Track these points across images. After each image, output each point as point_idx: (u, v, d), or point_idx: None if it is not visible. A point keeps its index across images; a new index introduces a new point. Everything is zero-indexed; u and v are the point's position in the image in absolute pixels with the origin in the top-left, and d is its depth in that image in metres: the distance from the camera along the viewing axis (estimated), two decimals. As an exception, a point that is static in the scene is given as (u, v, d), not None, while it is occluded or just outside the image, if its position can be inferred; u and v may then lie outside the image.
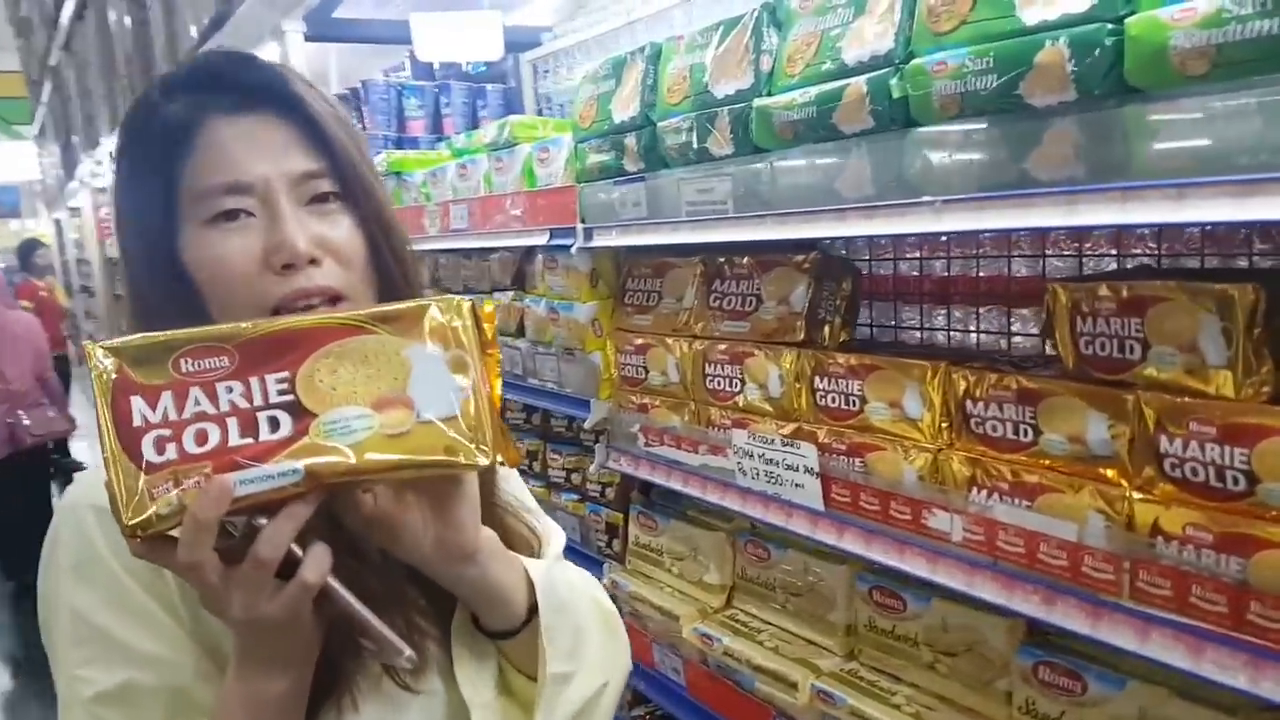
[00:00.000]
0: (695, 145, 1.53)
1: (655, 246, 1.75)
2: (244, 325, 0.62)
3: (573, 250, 1.90)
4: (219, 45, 3.62)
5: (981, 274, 1.58)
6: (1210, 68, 0.88)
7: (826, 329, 1.50)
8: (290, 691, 0.68)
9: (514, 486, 0.94)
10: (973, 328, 1.59)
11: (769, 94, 1.39)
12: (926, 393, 1.27)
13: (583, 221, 1.88)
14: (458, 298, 0.66)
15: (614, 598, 2.04)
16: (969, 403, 1.23)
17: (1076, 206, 1.02)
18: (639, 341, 1.83)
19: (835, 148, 1.27)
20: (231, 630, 0.66)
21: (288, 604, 0.62)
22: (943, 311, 1.63)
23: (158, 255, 0.76)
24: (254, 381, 0.60)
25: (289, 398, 0.60)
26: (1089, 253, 1.41)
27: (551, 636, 0.78)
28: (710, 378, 1.66)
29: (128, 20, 5.18)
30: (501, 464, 0.65)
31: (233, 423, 0.60)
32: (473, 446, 0.62)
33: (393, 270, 0.79)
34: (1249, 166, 0.87)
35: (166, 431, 0.59)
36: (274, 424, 0.60)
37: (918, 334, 1.67)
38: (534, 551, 0.86)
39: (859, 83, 1.22)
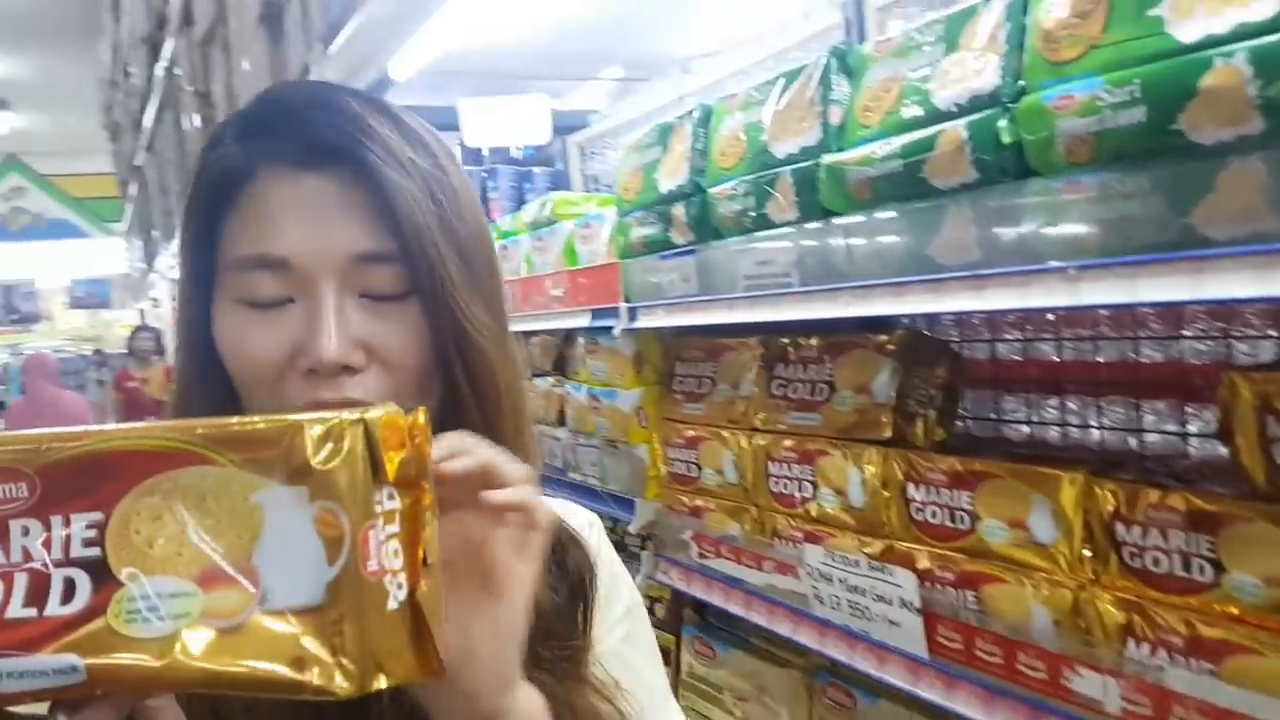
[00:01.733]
0: (753, 212, 1.29)
1: (707, 327, 1.50)
2: (46, 439, 0.42)
3: (615, 332, 1.66)
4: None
5: (1101, 358, 1.28)
6: None
7: (919, 424, 1.21)
8: None
9: (635, 657, 0.71)
10: (1094, 422, 1.28)
11: (840, 149, 1.14)
12: (1061, 510, 0.97)
13: (626, 301, 1.64)
14: (345, 414, 0.42)
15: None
16: (1120, 526, 0.92)
17: (1272, 270, 0.74)
18: (690, 433, 1.56)
19: (928, 208, 1.01)
20: None
21: None
22: (1054, 403, 1.32)
23: (193, 329, 0.62)
24: (56, 522, 0.42)
25: (94, 551, 0.42)
26: (1247, 333, 1.11)
27: None
28: (775, 479, 1.37)
29: (196, 119, 5.25)
30: (387, 685, 0.42)
31: (21, 580, 0.42)
32: (332, 661, 0.40)
33: (462, 388, 0.59)
34: None
35: None
36: (69, 589, 0.41)
37: (1025, 428, 1.36)
38: None
39: (956, 128, 0.97)
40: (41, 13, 8.76)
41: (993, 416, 1.40)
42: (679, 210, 1.46)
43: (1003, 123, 0.92)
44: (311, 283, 0.57)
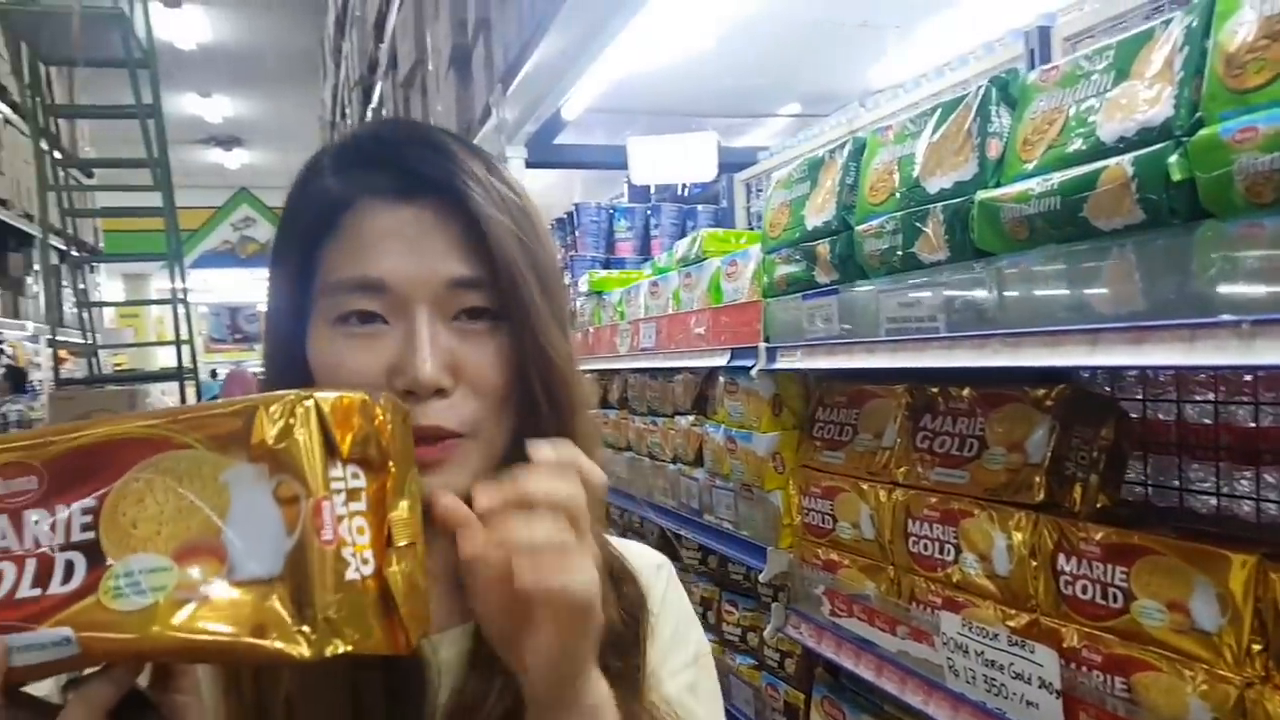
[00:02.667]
0: (900, 251, 1.24)
1: (848, 371, 1.45)
2: (50, 434, 0.47)
3: (752, 373, 1.64)
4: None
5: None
6: None
7: (1077, 489, 1.11)
8: None
9: (693, 701, 0.72)
10: (1294, 500, 1.12)
11: (997, 185, 1.08)
12: (1229, 595, 0.85)
13: (766, 340, 1.62)
14: (296, 393, 0.46)
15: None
16: (1305, 622, 0.80)
17: None
18: (827, 483, 1.51)
19: (1088, 250, 0.93)
20: None
21: None
22: (1248, 473, 1.17)
23: (285, 352, 0.66)
24: (60, 510, 0.47)
25: (90, 535, 0.47)
26: None
27: None
28: (915, 539, 1.30)
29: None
30: (352, 649, 0.45)
31: (30, 564, 0.47)
32: (293, 626, 0.44)
33: (542, 409, 0.63)
34: None
35: None
36: (68, 570, 0.47)
37: (1212, 500, 1.22)
38: None
39: (1121, 164, 0.89)
40: (271, 60, 9.91)
41: (1175, 485, 1.26)
42: (824, 248, 1.43)
43: (1173, 158, 0.84)
44: (407, 306, 0.60)
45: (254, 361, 16.16)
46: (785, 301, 1.55)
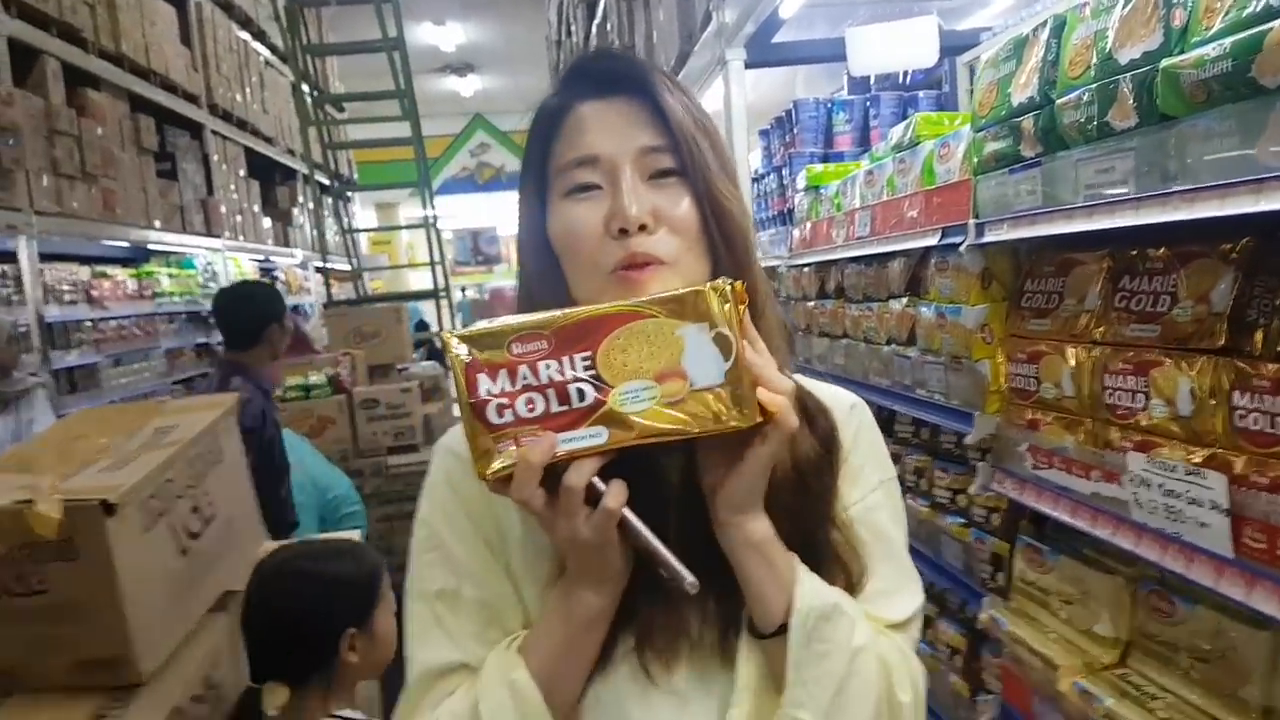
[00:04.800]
0: (1095, 120, 1.37)
1: (1052, 239, 1.59)
2: (556, 314, 0.76)
3: (961, 249, 1.81)
4: (681, 76, 4.07)
5: None
6: None
7: (1258, 334, 1.23)
8: (603, 611, 0.81)
9: (878, 518, 0.92)
10: None
11: (1181, 52, 1.19)
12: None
13: (975, 216, 1.78)
14: (720, 282, 0.75)
15: (991, 637, 1.87)
16: None
17: None
18: (1032, 349, 1.68)
19: (1254, 106, 1.05)
20: (560, 552, 0.82)
21: (596, 526, 0.76)
22: None
23: (534, 233, 0.89)
24: (565, 360, 0.75)
25: (592, 373, 0.75)
26: None
27: (800, 671, 0.79)
28: (1110, 391, 1.45)
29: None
30: (761, 422, 0.75)
31: (551, 393, 0.75)
32: (736, 410, 0.74)
33: (719, 248, 0.86)
34: None
35: (505, 401, 0.75)
36: (581, 394, 0.75)
37: None
38: (850, 585, 0.86)
39: (1291, 21, 1.00)
40: (499, -14, 10.35)
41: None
42: (1028, 123, 1.57)
43: (1337, 12, 0.95)
44: (614, 171, 0.84)
45: (495, 281, 17.40)
46: (993, 177, 1.70)
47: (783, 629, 0.79)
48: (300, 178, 9.92)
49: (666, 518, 0.80)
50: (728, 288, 0.76)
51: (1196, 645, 1.36)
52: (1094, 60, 1.39)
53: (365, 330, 6.46)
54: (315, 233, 8.76)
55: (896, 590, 0.89)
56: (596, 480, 0.75)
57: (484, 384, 0.74)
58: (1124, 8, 1.32)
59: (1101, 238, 1.49)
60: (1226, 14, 1.11)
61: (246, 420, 2.41)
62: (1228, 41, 1.08)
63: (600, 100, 0.87)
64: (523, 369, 0.74)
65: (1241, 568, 1.14)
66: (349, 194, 9.34)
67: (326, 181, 8.72)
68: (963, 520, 2.06)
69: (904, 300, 2.19)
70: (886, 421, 2.45)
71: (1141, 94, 1.27)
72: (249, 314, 3.08)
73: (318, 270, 10.69)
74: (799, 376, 0.91)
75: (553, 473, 0.75)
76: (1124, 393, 1.43)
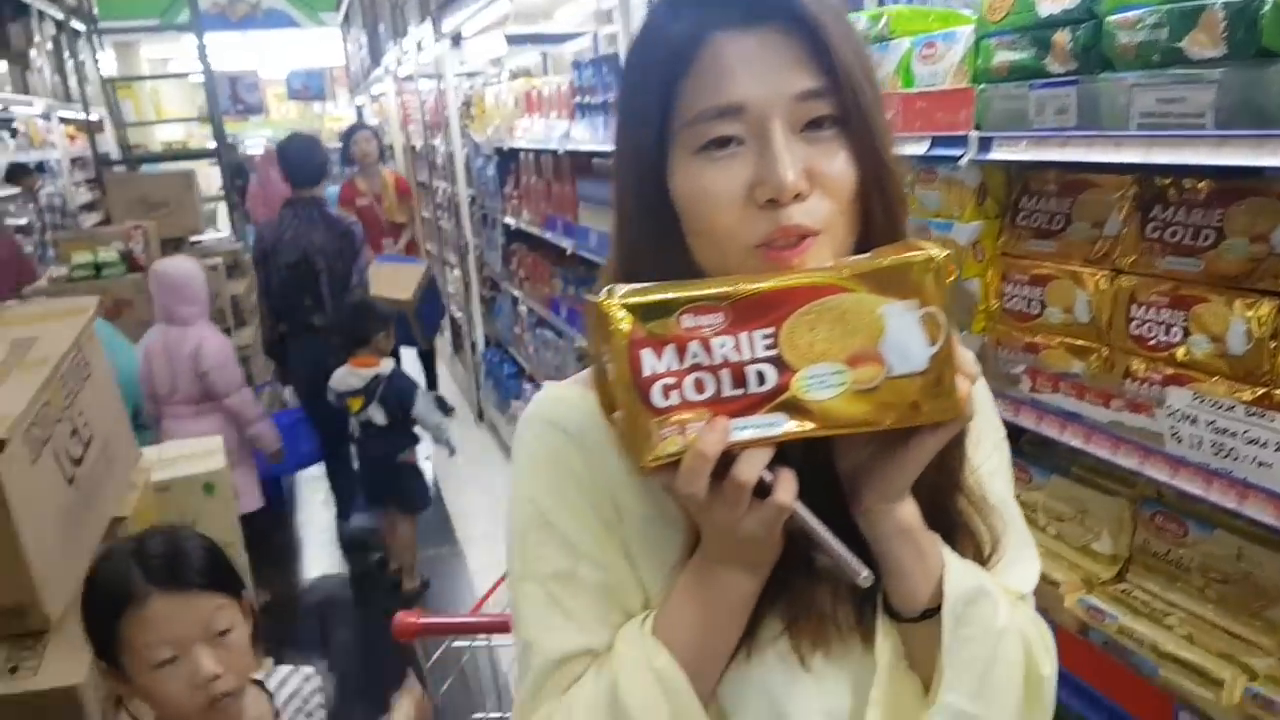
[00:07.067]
0: (1162, 44, 1.34)
1: (1064, 164, 1.58)
2: (737, 283, 0.68)
3: (962, 162, 1.76)
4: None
5: None
6: None
7: (1321, 278, 1.28)
8: (753, 594, 0.78)
9: (996, 484, 0.90)
10: None
11: (1294, -18, 1.16)
12: None
13: (978, 129, 1.73)
14: (934, 254, 0.67)
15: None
16: None
17: None
18: (1036, 271, 1.69)
19: (1404, 53, 1.04)
20: (709, 539, 0.76)
21: (764, 521, 0.71)
22: None
23: (647, 184, 0.76)
24: (743, 337, 0.67)
25: (773, 353, 0.68)
26: None
27: (949, 655, 0.78)
28: (1138, 321, 1.49)
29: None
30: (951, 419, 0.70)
31: (725, 374, 0.68)
32: (937, 401, 0.68)
33: (877, 213, 0.75)
34: None
35: (671, 380, 0.67)
36: (760, 378, 0.68)
37: None
38: (979, 556, 0.85)
39: None
40: None
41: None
42: (1062, 36, 1.51)
43: None
44: (763, 124, 0.71)
45: (253, 133, 15.74)
46: (1007, 89, 1.64)
47: (925, 613, 0.79)
48: (35, 14, 8.41)
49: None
50: (943, 261, 0.67)
51: (1212, 566, 1.48)
52: (1166, -23, 1.34)
53: (153, 199, 5.75)
54: (57, 77, 7.60)
55: (1019, 559, 0.90)
56: (765, 472, 0.69)
57: (649, 361, 0.67)
58: (1219, -76, 1.27)
59: (1155, 168, 1.48)
60: (1368, -51, 1.08)
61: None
62: (1379, -18, 1.05)
63: (744, 32, 0.72)
64: (693, 346, 0.67)
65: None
66: (98, 30, 8.04)
67: (61, 16, 7.51)
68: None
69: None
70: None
71: (1236, 24, 1.23)
72: None
73: (63, 121, 9.33)
74: None
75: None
76: (1155, 325, 1.46)
